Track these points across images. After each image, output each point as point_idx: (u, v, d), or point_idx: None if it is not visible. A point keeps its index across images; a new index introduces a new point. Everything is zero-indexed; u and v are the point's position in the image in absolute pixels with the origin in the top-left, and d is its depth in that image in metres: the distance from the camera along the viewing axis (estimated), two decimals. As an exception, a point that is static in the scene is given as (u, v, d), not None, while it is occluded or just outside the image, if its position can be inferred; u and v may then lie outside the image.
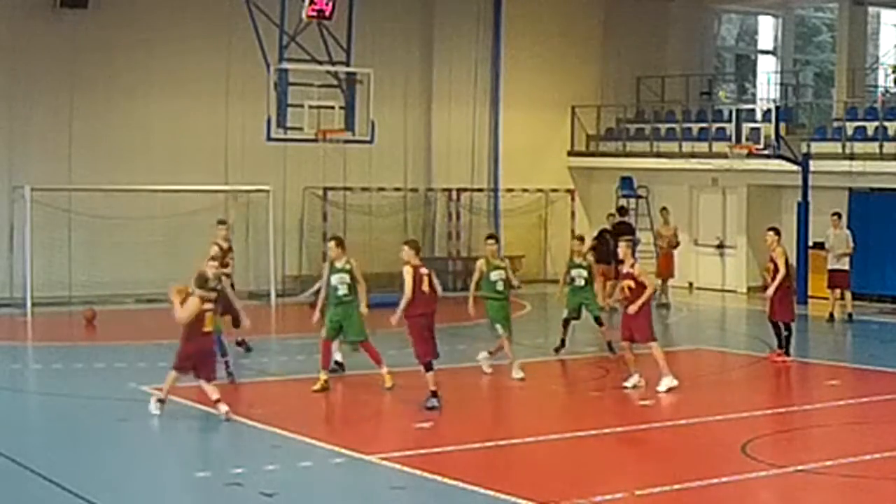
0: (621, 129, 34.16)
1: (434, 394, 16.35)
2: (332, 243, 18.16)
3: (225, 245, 20.72)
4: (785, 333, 20.66)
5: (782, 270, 20.51)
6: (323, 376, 17.73)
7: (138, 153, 28.19)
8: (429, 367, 16.42)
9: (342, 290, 17.68)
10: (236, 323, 20.45)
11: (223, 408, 15.65)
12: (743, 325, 27.68)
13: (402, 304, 16.30)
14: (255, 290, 28.54)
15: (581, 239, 22.17)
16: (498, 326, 19.00)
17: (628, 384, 18.09)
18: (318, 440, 14.55)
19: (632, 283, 18.02)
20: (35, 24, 27.42)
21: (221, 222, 21.75)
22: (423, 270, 16.51)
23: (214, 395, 15.78)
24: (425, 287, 16.37)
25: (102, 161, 27.82)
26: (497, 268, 19.01)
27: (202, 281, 15.93)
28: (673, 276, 28.77)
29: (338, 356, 18.66)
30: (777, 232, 21.12)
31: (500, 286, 18.91)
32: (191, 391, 16.33)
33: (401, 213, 31.59)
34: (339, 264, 17.76)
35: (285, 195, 29.56)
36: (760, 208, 30.90)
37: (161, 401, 15.91)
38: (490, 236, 20.16)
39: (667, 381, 17.84)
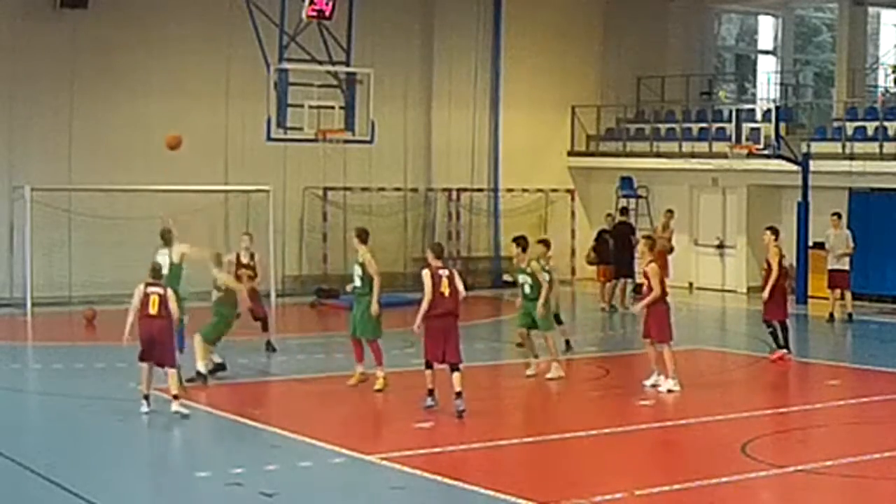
0: (621, 129, 34.15)
1: (430, 392, 16.31)
2: (353, 233, 18.25)
3: (245, 259, 20.44)
4: (781, 332, 20.70)
5: (775, 270, 20.55)
6: (359, 370, 17.78)
7: (138, 153, 28.14)
8: (428, 366, 16.31)
9: (356, 283, 17.82)
10: (265, 327, 20.57)
11: (174, 407, 15.65)
12: (743, 325, 27.65)
13: (422, 307, 16.13)
14: (254, 291, 28.55)
15: (545, 244, 20.29)
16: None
17: (647, 383, 18.07)
18: (318, 440, 14.54)
19: (646, 282, 18.11)
20: (35, 24, 27.41)
21: (246, 233, 21.49)
22: (442, 272, 16.28)
23: (174, 390, 15.80)
24: (444, 289, 16.15)
25: (102, 161, 27.81)
26: (522, 272, 19.03)
27: (152, 270, 16.26)
28: (668, 276, 28.66)
29: (216, 357, 18.59)
30: (774, 231, 21.15)
31: (526, 289, 19.02)
32: (191, 392, 16.32)
33: (401, 213, 31.59)
34: (357, 256, 17.88)
35: (285, 195, 29.55)
36: (760, 208, 30.87)
37: (146, 396, 15.92)
38: (514, 239, 19.63)
39: (669, 384, 17.85)
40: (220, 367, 18.58)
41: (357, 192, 30.67)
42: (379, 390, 17.54)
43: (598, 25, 34.60)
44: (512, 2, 33.00)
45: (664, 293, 18.04)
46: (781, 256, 20.78)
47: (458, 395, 15.97)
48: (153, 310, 15.91)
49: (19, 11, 27.33)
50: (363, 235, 17.92)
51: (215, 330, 18.31)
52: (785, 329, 20.76)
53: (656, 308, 18.03)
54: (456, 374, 16.04)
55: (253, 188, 28.69)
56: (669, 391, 17.77)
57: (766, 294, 20.56)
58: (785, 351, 20.67)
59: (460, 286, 16.39)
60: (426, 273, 16.23)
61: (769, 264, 20.68)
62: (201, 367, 18.02)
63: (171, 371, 15.97)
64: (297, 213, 30.30)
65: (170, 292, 16.09)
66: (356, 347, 17.87)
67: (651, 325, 18.11)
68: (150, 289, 16.02)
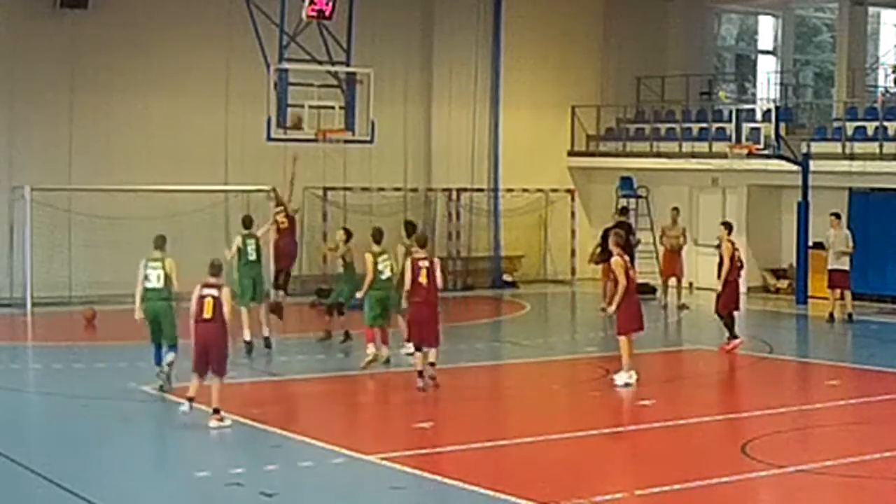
0: (621, 129, 34.14)
1: (420, 374, 17.22)
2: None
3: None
4: (729, 322, 21.48)
5: (726, 264, 21.42)
6: (371, 349, 18.85)
7: (138, 153, 28.15)
8: (417, 348, 17.48)
9: None
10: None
11: (214, 423, 15.19)
12: (743, 325, 27.57)
13: (404, 289, 17.78)
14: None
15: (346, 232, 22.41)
16: None
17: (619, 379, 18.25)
18: (318, 440, 14.55)
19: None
20: (35, 24, 27.40)
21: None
22: (423, 263, 17.52)
23: (215, 402, 15.30)
24: (422, 279, 17.40)
25: (102, 161, 27.79)
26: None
27: (211, 267, 15.52)
28: (674, 274, 28.58)
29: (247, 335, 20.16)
30: (727, 226, 22.19)
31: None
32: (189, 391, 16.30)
33: (401, 213, 31.47)
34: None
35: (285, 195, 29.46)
36: (760, 208, 30.89)
37: (190, 399, 15.31)
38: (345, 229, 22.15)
39: (624, 377, 18.09)
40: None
41: (357, 192, 30.65)
42: (369, 362, 18.74)
43: (598, 25, 34.59)
44: (512, 2, 32.98)
45: (630, 285, 18.17)
46: (735, 251, 21.58)
47: (432, 364, 17.44)
48: (208, 314, 15.19)
49: (19, 11, 27.32)
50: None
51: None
52: (731, 321, 21.48)
53: (623, 300, 18.16)
54: (431, 350, 17.45)
55: (253, 188, 28.66)
56: (626, 385, 17.91)
57: (719, 287, 21.45)
58: (738, 340, 21.39)
59: (439, 278, 17.63)
60: (408, 263, 17.62)
61: (722, 259, 21.55)
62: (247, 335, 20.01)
63: (218, 382, 15.37)
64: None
65: (225, 292, 15.30)
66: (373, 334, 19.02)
67: (617, 317, 18.35)
68: (206, 290, 15.25)
